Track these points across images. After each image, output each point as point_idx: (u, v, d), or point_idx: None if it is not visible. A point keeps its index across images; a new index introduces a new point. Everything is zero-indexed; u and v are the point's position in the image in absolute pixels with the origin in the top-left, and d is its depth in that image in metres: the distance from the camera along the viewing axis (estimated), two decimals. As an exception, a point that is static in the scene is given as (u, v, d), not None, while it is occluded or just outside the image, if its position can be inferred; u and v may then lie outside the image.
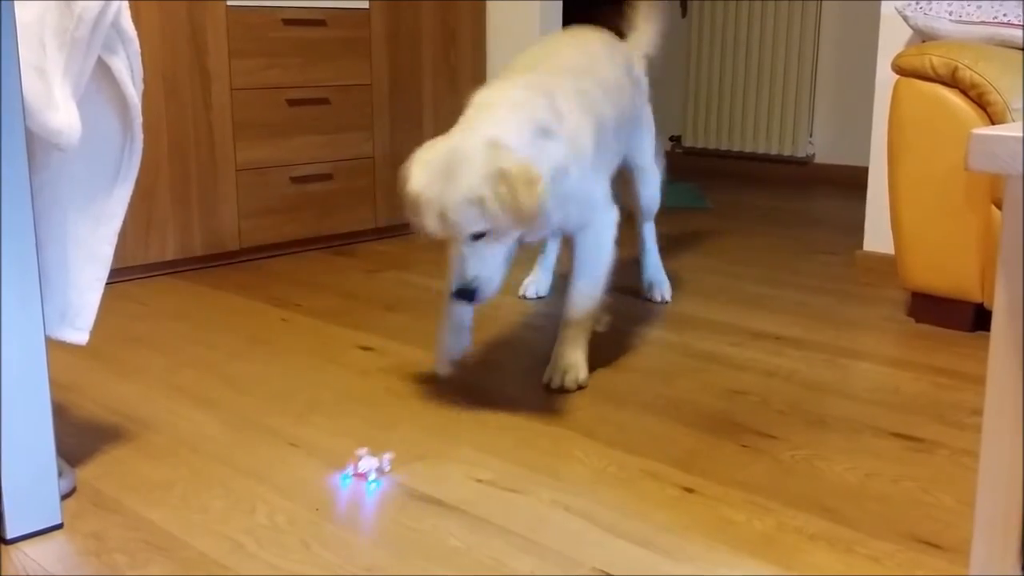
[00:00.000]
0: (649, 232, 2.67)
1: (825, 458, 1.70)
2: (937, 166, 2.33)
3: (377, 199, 3.47)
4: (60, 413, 1.40)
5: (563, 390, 2.00)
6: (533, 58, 2.08)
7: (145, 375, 2.10)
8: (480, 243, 1.75)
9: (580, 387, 2.01)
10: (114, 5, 1.44)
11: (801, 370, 2.15)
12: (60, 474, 1.49)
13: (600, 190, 2.04)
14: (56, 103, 1.40)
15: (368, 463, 1.59)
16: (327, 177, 3.32)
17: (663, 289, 2.68)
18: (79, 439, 1.75)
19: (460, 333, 2.03)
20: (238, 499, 1.54)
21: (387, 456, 1.62)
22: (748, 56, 4.92)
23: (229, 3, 2.98)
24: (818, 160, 4.86)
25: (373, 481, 1.56)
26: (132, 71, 1.51)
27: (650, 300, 2.67)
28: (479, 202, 1.69)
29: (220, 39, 2.99)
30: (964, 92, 2.29)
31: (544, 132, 1.83)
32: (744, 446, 1.75)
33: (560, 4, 3.60)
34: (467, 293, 1.76)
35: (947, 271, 2.37)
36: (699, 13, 5.07)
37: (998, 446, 1.04)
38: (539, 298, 2.70)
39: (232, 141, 3.06)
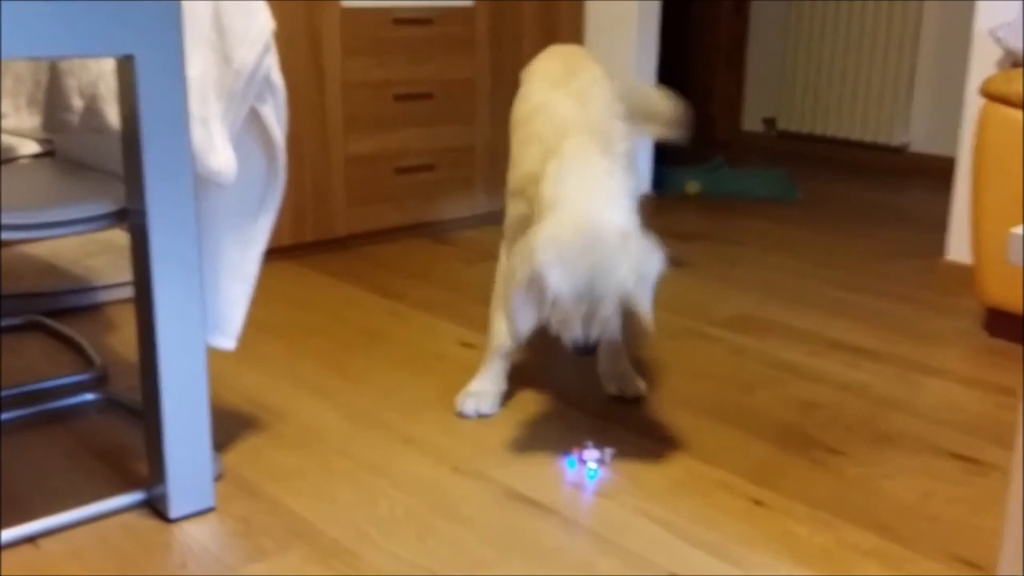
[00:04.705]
0: None
1: (887, 476, 1.86)
2: (1020, 190, 2.42)
3: (476, 188, 3.67)
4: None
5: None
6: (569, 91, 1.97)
7: (270, 363, 2.35)
8: None
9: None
10: (266, 62, 1.65)
11: (874, 384, 2.29)
12: (211, 462, 1.74)
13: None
14: (216, 147, 1.63)
15: (591, 453, 1.87)
16: (429, 168, 3.53)
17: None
18: (219, 425, 2.00)
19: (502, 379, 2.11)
20: (361, 491, 1.77)
21: (609, 450, 1.89)
22: (848, 37, 4.93)
23: (344, 4, 3.19)
24: (913, 149, 4.88)
25: (593, 471, 1.85)
26: (278, 116, 1.72)
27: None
28: (627, 299, 1.74)
29: (334, 39, 3.20)
30: (1048, 120, 2.37)
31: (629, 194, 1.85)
32: (813, 461, 1.91)
33: (658, 3, 3.72)
34: (588, 349, 1.78)
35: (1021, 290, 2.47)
36: (796, -2, 5.10)
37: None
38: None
39: (343, 134, 3.29)
